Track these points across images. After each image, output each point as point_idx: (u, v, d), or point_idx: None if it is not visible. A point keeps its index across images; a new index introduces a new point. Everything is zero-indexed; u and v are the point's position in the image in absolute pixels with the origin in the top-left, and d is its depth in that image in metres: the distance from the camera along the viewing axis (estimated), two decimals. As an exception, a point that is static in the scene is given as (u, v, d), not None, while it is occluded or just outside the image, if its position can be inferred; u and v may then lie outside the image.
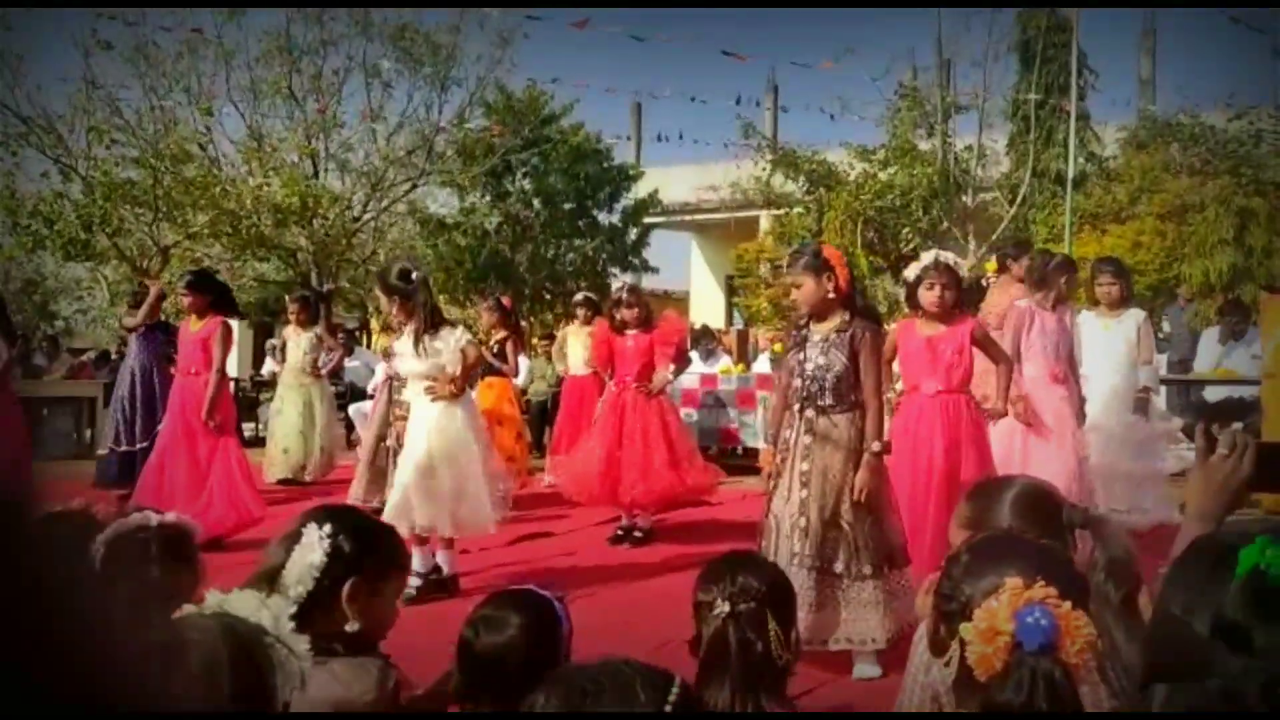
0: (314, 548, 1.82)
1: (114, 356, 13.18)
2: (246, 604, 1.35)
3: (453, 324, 5.27)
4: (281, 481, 8.61)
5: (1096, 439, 5.41)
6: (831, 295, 3.88)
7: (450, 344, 5.04)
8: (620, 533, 6.38)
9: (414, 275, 5.08)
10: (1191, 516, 1.52)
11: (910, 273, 4.50)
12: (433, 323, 5.04)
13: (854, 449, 3.81)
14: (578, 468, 6.43)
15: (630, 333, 6.42)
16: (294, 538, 1.87)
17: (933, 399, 4.42)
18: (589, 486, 6.31)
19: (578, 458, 6.55)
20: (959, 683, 1.30)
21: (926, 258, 4.48)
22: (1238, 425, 7.89)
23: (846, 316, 3.88)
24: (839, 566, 3.70)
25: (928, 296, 4.38)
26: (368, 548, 1.90)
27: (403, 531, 5.00)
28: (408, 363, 5.09)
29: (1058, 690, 1.18)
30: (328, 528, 1.85)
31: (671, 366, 6.49)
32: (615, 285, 7.09)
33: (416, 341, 4.97)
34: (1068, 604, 1.24)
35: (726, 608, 1.86)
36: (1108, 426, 5.52)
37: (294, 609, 1.33)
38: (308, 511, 1.97)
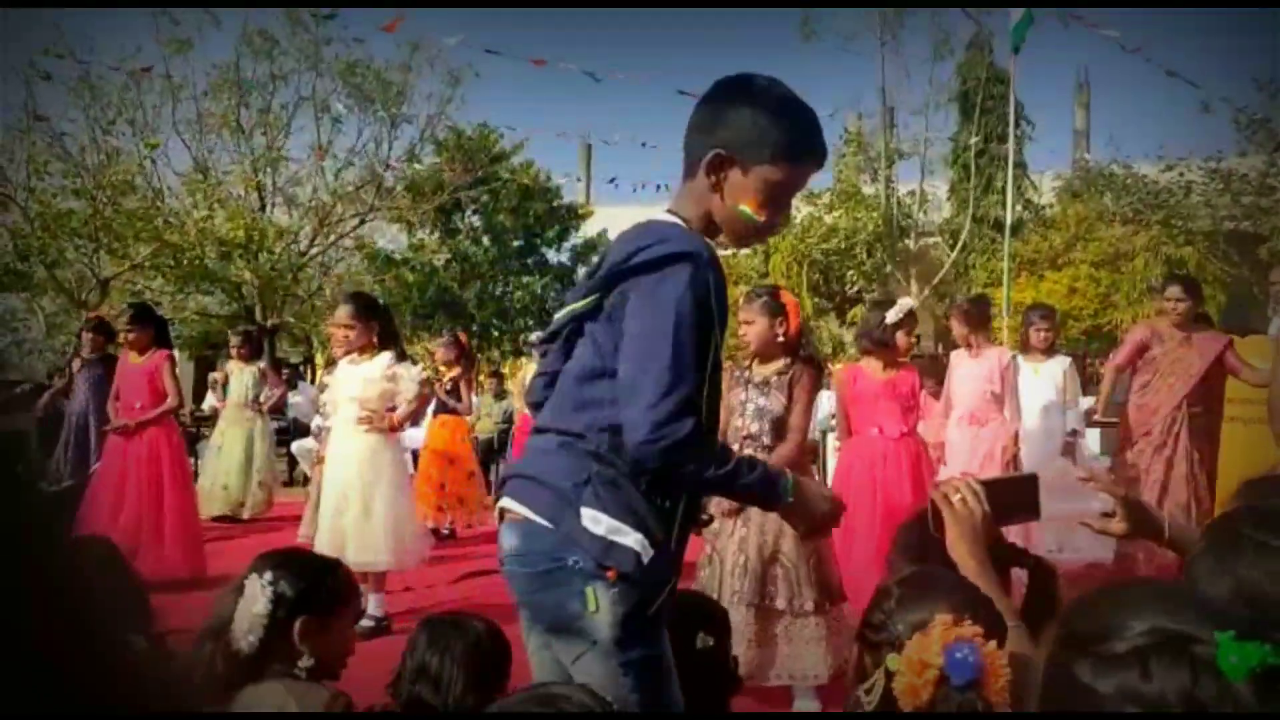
0: (257, 598, 1.88)
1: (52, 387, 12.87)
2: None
3: (412, 359, 5.30)
4: (217, 518, 8.46)
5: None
6: (780, 339, 3.97)
7: (411, 376, 5.04)
8: None
9: (379, 301, 5.24)
10: (970, 571, 1.60)
11: (891, 316, 4.61)
12: (397, 354, 5.08)
13: None
14: None
15: None
16: (241, 588, 1.92)
17: (898, 441, 4.56)
18: None
19: None
20: (878, 712, 1.34)
21: (905, 304, 4.64)
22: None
23: (789, 361, 3.97)
24: (781, 603, 3.74)
25: (905, 341, 4.55)
26: (312, 586, 1.95)
27: None
28: (350, 387, 5.03)
29: None
30: (268, 575, 1.91)
31: None
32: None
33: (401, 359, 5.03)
34: (993, 643, 1.29)
35: (711, 641, 1.95)
36: (1036, 469, 5.66)
37: (304, 672, 1.34)
38: (255, 560, 2.01)
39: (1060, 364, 5.86)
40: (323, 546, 4.78)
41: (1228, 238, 13.85)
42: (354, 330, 4.99)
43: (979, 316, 5.50)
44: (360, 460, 4.97)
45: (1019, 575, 1.94)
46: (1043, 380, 5.81)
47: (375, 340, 5.05)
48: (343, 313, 5.06)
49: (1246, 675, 0.79)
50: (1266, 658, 0.79)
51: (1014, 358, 5.52)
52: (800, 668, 3.71)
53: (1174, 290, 5.62)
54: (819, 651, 3.71)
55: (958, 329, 5.49)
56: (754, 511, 3.86)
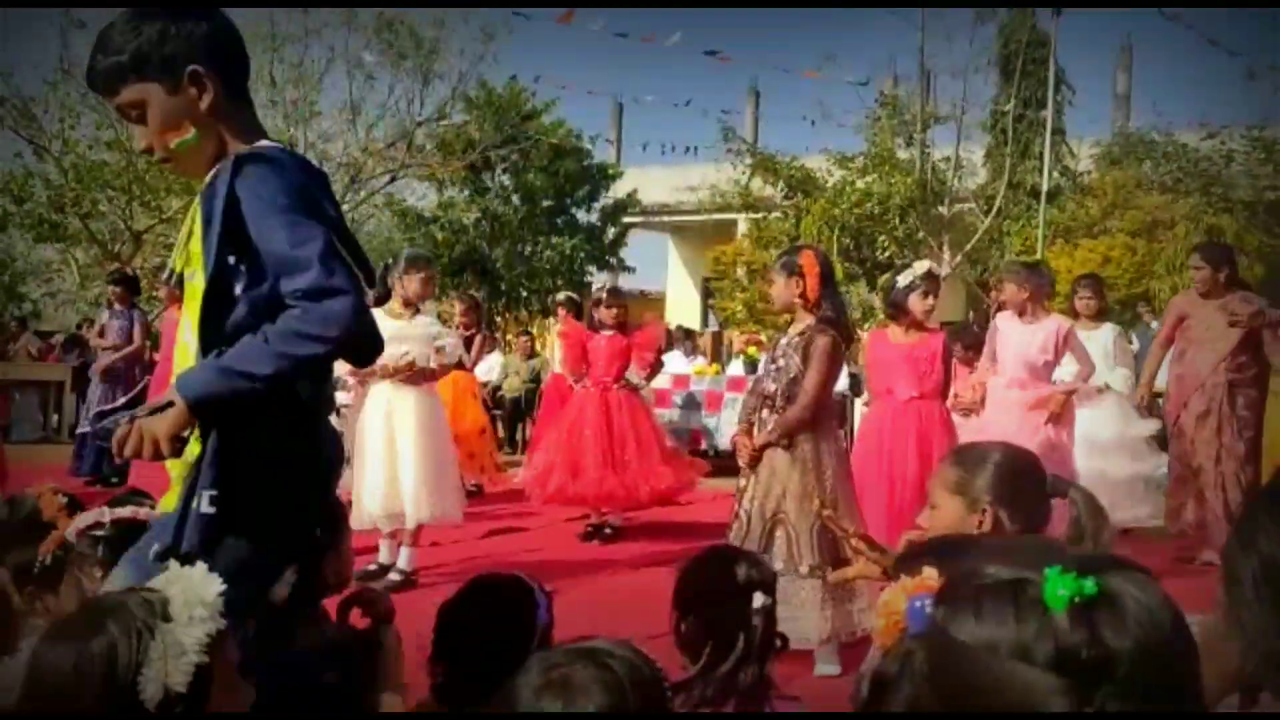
0: None
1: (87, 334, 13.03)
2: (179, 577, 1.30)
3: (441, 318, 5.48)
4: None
5: (1086, 448, 5.60)
6: (798, 299, 3.95)
7: (454, 343, 5.18)
8: (590, 529, 6.36)
9: None
10: None
11: (903, 279, 4.54)
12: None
13: (800, 448, 3.85)
14: (568, 475, 6.20)
15: (605, 333, 6.37)
16: None
17: (906, 404, 4.51)
18: (583, 491, 6.19)
19: (567, 463, 6.24)
20: (880, 712, 1.35)
21: (920, 267, 4.56)
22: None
23: (811, 322, 3.94)
24: (778, 564, 3.74)
25: (921, 304, 4.46)
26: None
27: (385, 526, 5.04)
28: (395, 343, 5.06)
29: (918, 675, 1.24)
30: None
31: (645, 372, 6.56)
32: (596, 285, 7.08)
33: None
34: None
35: (770, 600, 1.95)
36: (1091, 432, 5.67)
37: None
38: None
39: (1110, 331, 5.91)
40: (370, 502, 4.89)
41: (1268, 208, 13.59)
42: (427, 285, 5.19)
43: (1038, 283, 5.37)
44: (404, 414, 5.03)
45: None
46: (1092, 347, 5.81)
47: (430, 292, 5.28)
48: (431, 270, 5.20)
49: (1065, 605, 0.82)
50: (1084, 589, 0.83)
51: (1072, 326, 5.43)
52: (797, 629, 3.71)
53: (1193, 259, 5.71)
54: (815, 615, 3.71)
55: (1013, 293, 5.33)
56: (760, 473, 3.88)
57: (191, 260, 1.78)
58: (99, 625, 1.15)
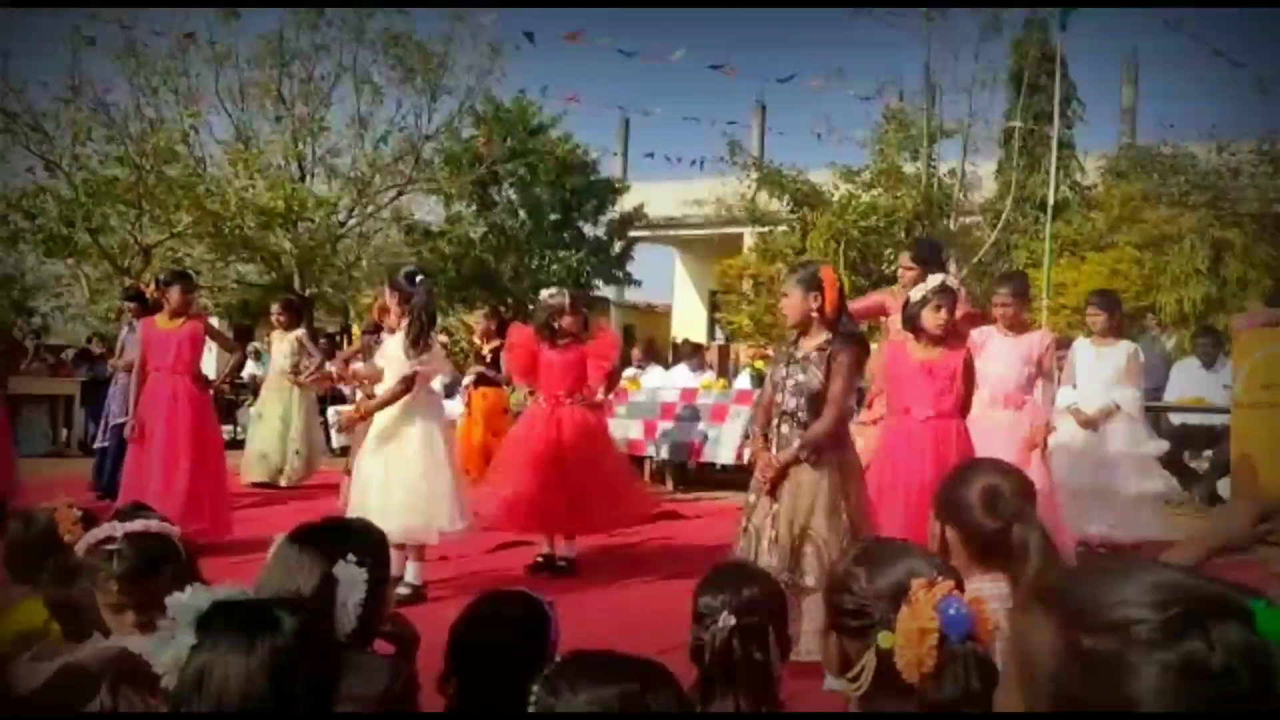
0: (356, 584, 1.85)
1: (98, 351, 13.08)
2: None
3: (448, 332, 5.42)
4: (257, 484, 8.60)
5: (1095, 465, 5.60)
6: (815, 314, 3.97)
7: (395, 365, 5.16)
8: (541, 560, 5.85)
9: (417, 278, 5.22)
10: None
11: (917, 293, 4.48)
12: (412, 335, 5.06)
13: (826, 464, 3.86)
14: (508, 493, 5.76)
15: (560, 343, 5.88)
16: (329, 578, 1.86)
17: (924, 424, 4.41)
18: (522, 516, 5.80)
19: (508, 482, 5.82)
20: (868, 696, 1.33)
21: (934, 280, 4.47)
22: (1207, 452, 8.02)
23: (829, 336, 3.96)
24: (810, 580, 3.73)
25: (934, 318, 4.35)
26: (378, 553, 1.98)
27: None
28: (393, 365, 5.14)
29: (986, 670, 1.25)
30: (353, 557, 1.88)
31: (601, 384, 6.17)
32: (548, 293, 6.15)
33: (414, 343, 5.02)
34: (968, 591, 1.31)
35: (733, 620, 1.89)
36: (1099, 449, 5.65)
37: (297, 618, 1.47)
38: (298, 537, 1.96)
39: (1124, 349, 5.80)
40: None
41: (1277, 221, 13.56)
42: (393, 305, 5.24)
43: (1025, 293, 5.35)
44: (392, 432, 5.07)
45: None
46: (1104, 364, 5.75)
47: (401, 313, 5.20)
48: (387, 285, 5.31)
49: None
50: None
51: (1054, 340, 5.39)
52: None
53: (902, 258, 5.46)
54: None
55: (1001, 307, 5.29)
56: (786, 488, 3.88)
57: None
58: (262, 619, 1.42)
